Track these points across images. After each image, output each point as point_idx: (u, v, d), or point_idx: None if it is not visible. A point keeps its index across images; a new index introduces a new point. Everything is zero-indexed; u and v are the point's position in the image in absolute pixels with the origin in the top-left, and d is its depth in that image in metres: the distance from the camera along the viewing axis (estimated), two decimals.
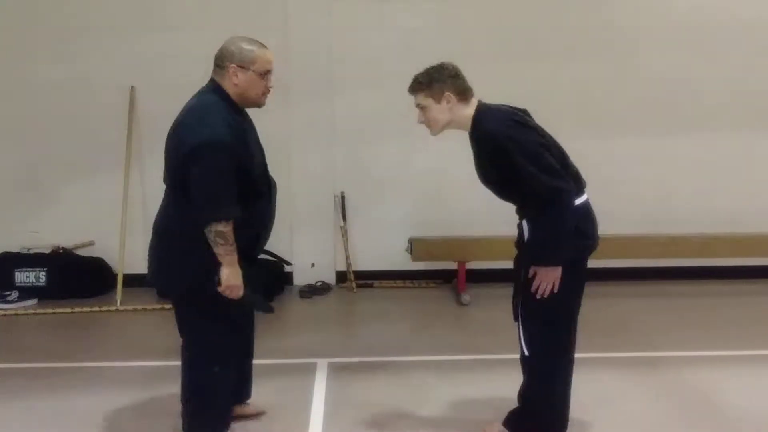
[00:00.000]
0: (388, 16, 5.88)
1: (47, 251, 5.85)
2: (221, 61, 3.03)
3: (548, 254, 2.93)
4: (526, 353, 3.08)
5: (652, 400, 3.68)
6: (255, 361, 3.58)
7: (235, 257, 2.93)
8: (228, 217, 2.87)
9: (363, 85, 5.89)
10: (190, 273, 3.00)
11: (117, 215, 5.76)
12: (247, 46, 3.01)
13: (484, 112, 3.01)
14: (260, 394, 3.65)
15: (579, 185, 3.05)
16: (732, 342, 4.55)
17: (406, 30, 5.86)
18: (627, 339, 4.63)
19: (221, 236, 2.87)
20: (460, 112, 3.02)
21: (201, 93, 3.07)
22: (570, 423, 3.36)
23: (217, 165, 2.85)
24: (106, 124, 5.85)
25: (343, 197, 6.02)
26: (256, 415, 3.51)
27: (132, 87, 5.84)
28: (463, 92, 3.03)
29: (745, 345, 4.49)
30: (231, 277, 2.93)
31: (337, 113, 5.87)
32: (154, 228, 3.17)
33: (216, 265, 2.92)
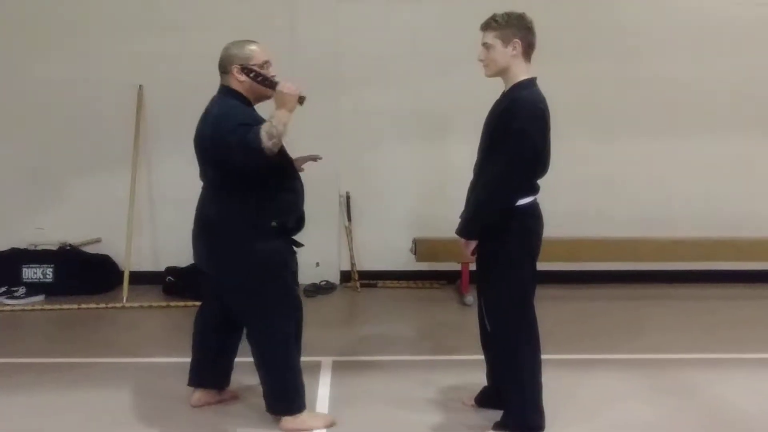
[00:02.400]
0: (393, 16, 5.91)
1: (54, 248, 5.89)
2: (223, 67, 3.31)
3: (463, 228, 3.21)
4: (489, 328, 3.26)
5: (653, 403, 3.70)
6: (245, 359, 3.60)
7: (283, 113, 3.06)
8: (256, 137, 3.01)
9: (369, 85, 5.92)
10: (254, 263, 3.23)
11: (124, 213, 5.79)
12: (240, 47, 3.30)
13: (531, 87, 3.14)
14: (252, 390, 3.69)
15: (534, 188, 3.22)
16: (733, 345, 4.57)
17: (411, 30, 5.89)
18: (628, 341, 4.65)
19: (269, 136, 2.99)
20: (517, 65, 3.14)
21: (218, 99, 3.31)
22: (572, 424, 3.40)
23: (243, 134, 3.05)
24: (114, 123, 5.89)
25: (348, 197, 6.05)
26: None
27: (140, 86, 5.88)
28: (529, 47, 3.15)
29: (745, 348, 4.50)
30: (283, 101, 3.09)
31: (343, 113, 5.90)
32: (202, 221, 3.35)
33: (277, 256, 3.27)
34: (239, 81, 3.26)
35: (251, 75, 3.21)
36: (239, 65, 3.23)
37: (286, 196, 3.31)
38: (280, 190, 3.29)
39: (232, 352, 3.62)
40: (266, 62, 3.29)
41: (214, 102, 3.32)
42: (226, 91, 3.31)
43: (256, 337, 3.36)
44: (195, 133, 3.33)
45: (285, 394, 3.36)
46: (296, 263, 3.46)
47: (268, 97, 3.28)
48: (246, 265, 3.25)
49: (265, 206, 3.23)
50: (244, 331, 3.49)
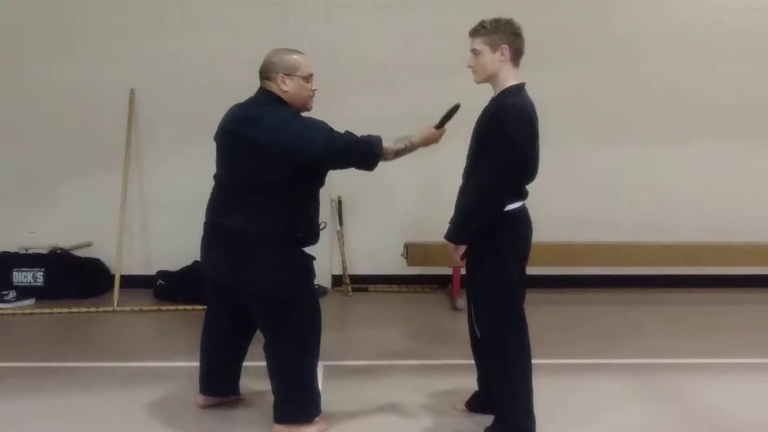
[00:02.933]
0: (387, 22, 5.93)
1: (45, 251, 5.88)
2: (267, 73, 3.28)
3: (452, 233, 3.23)
4: (478, 334, 3.27)
5: (645, 407, 3.70)
6: (251, 364, 3.65)
7: (414, 141, 3.36)
8: (379, 146, 3.28)
9: (362, 91, 5.93)
10: (285, 274, 3.23)
11: (115, 216, 5.78)
12: (288, 55, 3.28)
13: (519, 94, 3.15)
14: (256, 396, 3.70)
15: (523, 193, 3.23)
16: (724, 349, 4.59)
17: (405, 36, 5.91)
18: (620, 346, 4.66)
19: (394, 154, 3.33)
20: (506, 71, 3.16)
21: (267, 104, 3.26)
22: (564, 429, 3.40)
23: (336, 139, 3.21)
24: (106, 126, 5.88)
25: (339, 201, 6.05)
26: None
27: (132, 89, 5.87)
28: (517, 53, 3.17)
29: (737, 353, 4.52)
30: (427, 139, 3.36)
31: (336, 118, 5.83)
32: (221, 231, 3.26)
33: (305, 266, 3.32)
34: (284, 90, 3.25)
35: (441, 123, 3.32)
36: (284, 74, 3.23)
37: (312, 207, 3.34)
38: (310, 201, 3.31)
39: (242, 360, 3.62)
40: (311, 75, 3.30)
41: (258, 105, 3.27)
42: (272, 98, 3.27)
43: (281, 347, 3.29)
44: (229, 134, 3.25)
45: (306, 402, 3.34)
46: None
47: (306, 110, 3.33)
48: (279, 277, 3.22)
49: (294, 217, 3.22)
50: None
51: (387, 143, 3.30)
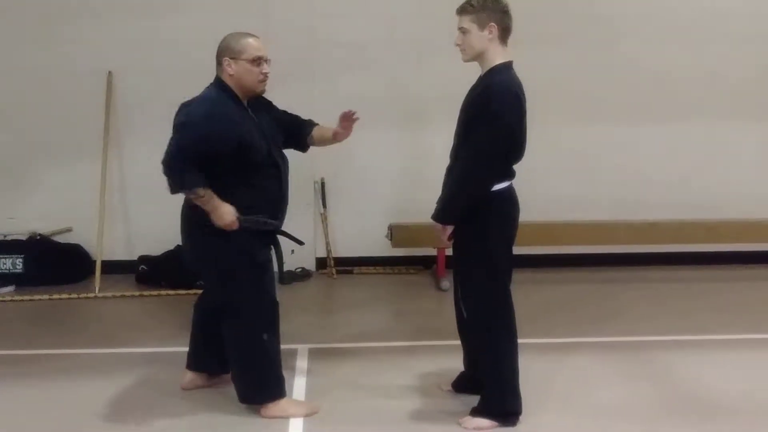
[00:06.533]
0: (370, 1, 5.86)
1: (24, 238, 5.80)
2: (218, 57, 3.28)
3: (439, 213, 3.19)
4: (465, 315, 3.26)
5: (630, 385, 3.72)
6: None
7: (213, 201, 3.16)
8: (182, 189, 3.17)
9: (344, 71, 5.87)
10: (220, 255, 3.25)
11: (95, 201, 5.71)
12: (236, 39, 3.25)
13: (506, 72, 3.12)
14: None
15: (510, 173, 3.22)
16: (708, 326, 4.62)
17: (388, 17, 5.84)
18: (604, 324, 4.68)
19: (195, 197, 3.16)
20: (494, 49, 3.12)
21: (207, 88, 3.31)
22: (550, 408, 3.41)
23: (184, 142, 3.14)
24: (84, 110, 5.78)
25: (323, 183, 6.01)
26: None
27: (109, 72, 5.78)
28: (505, 31, 3.14)
29: (720, 329, 4.55)
30: (222, 217, 3.17)
31: (317, 99, 5.83)
32: (182, 215, 3.39)
33: (253, 238, 3.25)
34: (229, 74, 3.22)
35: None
36: (230, 57, 3.20)
37: (251, 194, 3.26)
38: (244, 186, 3.25)
39: None
40: (259, 58, 3.23)
41: (203, 92, 3.31)
42: (215, 83, 3.29)
43: (226, 327, 3.35)
44: None
45: (262, 383, 3.34)
46: (270, 254, 3.44)
47: (256, 93, 3.32)
48: (209, 258, 3.30)
49: (228, 200, 3.19)
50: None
51: (199, 190, 3.14)
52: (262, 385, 3.35)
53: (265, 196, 3.31)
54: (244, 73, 3.23)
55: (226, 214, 3.18)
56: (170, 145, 3.15)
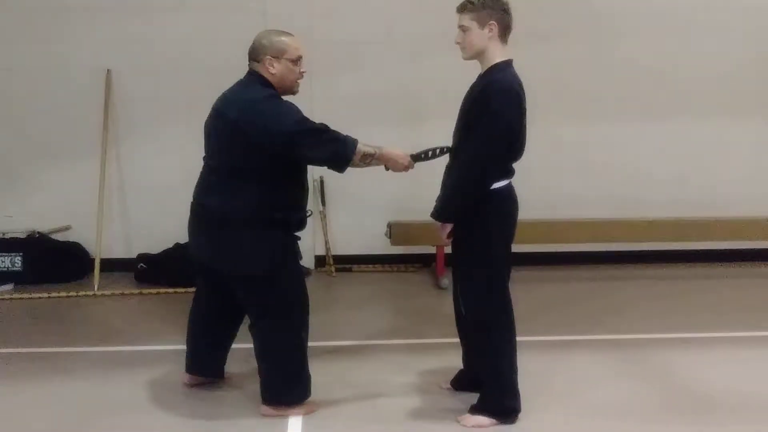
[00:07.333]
0: (369, 1, 5.86)
1: (23, 236, 5.80)
2: (256, 54, 3.25)
3: (439, 210, 3.19)
4: (464, 313, 3.26)
5: (629, 383, 3.72)
6: (235, 345, 3.64)
7: (383, 151, 3.27)
8: (354, 147, 3.19)
9: (342, 70, 5.87)
10: (269, 254, 3.20)
11: (94, 199, 5.70)
12: (276, 38, 3.26)
13: (506, 70, 3.12)
14: (240, 377, 3.68)
15: (509, 171, 3.22)
16: (706, 324, 4.62)
17: (386, 15, 5.85)
18: (603, 322, 4.68)
19: (364, 159, 3.22)
20: (494, 47, 3.12)
21: (249, 84, 3.25)
22: (549, 405, 3.41)
23: (307, 122, 3.17)
24: (83, 108, 5.78)
25: (322, 181, 6.01)
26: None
27: (108, 70, 5.78)
28: (506, 29, 3.14)
29: (719, 327, 4.55)
30: (399, 162, 3.32)
31: (316, 97, 5.83)
32: (203, 212, 3.26)
33: (290, 245, 3.28)
34: (271, 73, 3.23)
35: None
36: (272, 56, 3.21)
37: (295, 191, 3.30)
38: (291, 184, 3.28)
39: (229, 342, 3.62)
40: (299, 58, 3.27)
41: (243, 86, 3.26)
42: (258, 79, 3.25)
43: (266, 326, 3.28)
44: (214, 115, 3.25)
45: (292, 384, 3.32)
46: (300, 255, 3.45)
47: (292, 93, 3.31)
48: (257, 256, 3.19)
49: (271, 199, 3.18)
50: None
51: (361, 147, 3.21)
52: (298, 384, 3.33)
53: (306, 193, 3.38)
54: (287, 73, 3.25)
55: (400, 157, 3.30)
56: (308, 151, 3.15)
